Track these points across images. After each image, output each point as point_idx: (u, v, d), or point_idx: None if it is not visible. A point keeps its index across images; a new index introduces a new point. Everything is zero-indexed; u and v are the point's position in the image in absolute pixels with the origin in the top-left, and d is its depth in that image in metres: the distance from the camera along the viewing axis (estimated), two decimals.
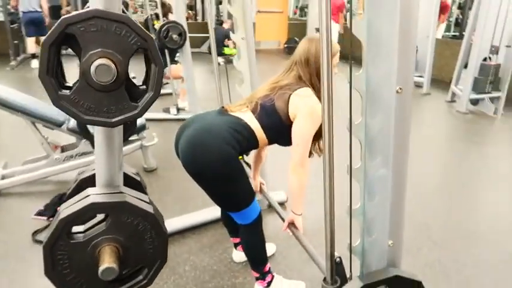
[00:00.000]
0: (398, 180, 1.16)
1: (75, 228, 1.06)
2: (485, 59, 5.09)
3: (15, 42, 7.22)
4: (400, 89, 1.06)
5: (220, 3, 9.56)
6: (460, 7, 10.05)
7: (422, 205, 2.80)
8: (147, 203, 1.09)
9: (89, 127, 2.63)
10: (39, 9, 6.91)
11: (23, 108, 2.76)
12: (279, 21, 10.17)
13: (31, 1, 6.83)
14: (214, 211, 2.53)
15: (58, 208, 2.42)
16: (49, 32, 0.76)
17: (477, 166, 3.65)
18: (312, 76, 1.64)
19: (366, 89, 1.13)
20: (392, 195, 1.17)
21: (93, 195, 1.03)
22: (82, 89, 0.81)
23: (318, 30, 1.05)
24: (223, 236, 2.39)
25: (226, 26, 8.97)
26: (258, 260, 1.83)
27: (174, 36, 4.24)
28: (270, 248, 2.19)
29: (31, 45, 7.17)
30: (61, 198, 2.59)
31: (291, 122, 1.61)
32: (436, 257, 2.25)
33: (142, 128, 3.10)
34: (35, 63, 7.05)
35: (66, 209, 1.01)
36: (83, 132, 2.54)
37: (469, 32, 5.49)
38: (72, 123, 2.94)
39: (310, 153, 1.70)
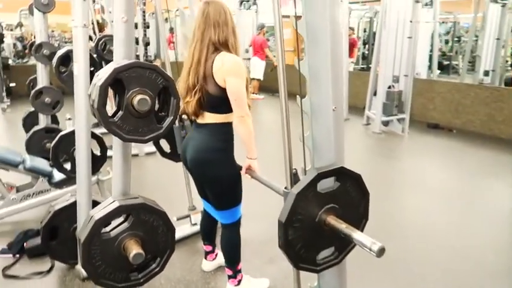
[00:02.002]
0: None
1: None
2: (389, 87, 6.01)
3: None
4: (335, 107, 1.51)
5: (148, 44, 9.85)
6: (364, 43, 11.47)
7: None
8: (157, 204, 1.40)
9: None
10: None
11: None
12: None
13: None
14: (178, 232, 2.77)
15: (25, 244, 2.54)
16: (105, 77, 1.08)
17: (392, 176, 4.34)
18: (218, 37, 1.80)
19: (310, 110, 1.57)
20: None
21: (117, 200, 1.32)
22: (125, 116, 1.14)
23: None
24: (190, 252, 2.67)
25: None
26: (234, 258, 2.15)
27: (112, 48, 4.38)
28: None
29: None
30: (26, 234, 2.67)
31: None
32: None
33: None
34: None
35: (98, 213, 1.28)
36: (57, 166, 2.69)
37: (374, 64, 6.44)
38: (29, 163, 3.05)
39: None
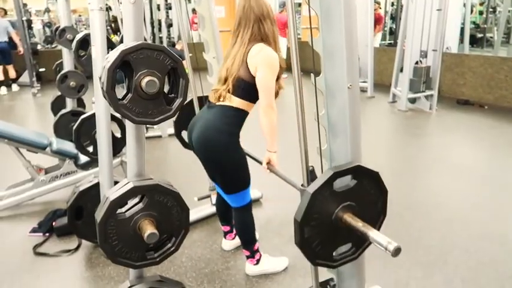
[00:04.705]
0: (356, 156, 1.56)
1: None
2: (416, 63, 5.80)
3: None
4: (351, 85, 1.46)
5: (171, 25, 9.87)
6: (392, 17, 11.06)
7: None
8: (171, 185, 1.41)
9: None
10: (2, 40, 7.69)
11: (9, 134, 2.93)
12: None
13: None
14: (199, 212, 2.84)
15: (53, 223, 2.64)
16: (112, 60, 1.09)
17: (419, 153, 4.23)
18: (259, 30, 1.87)
19: (325, 87, 1.53)
20: None
21: (132, 181, 1.34)
22: (134, 98, 1.14)
23: None
24: (210, 231, 2.71)
25: (178, 47, 9.29)
26: (249, 239, 2.17)
27: None
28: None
29: None
30: (55, 214, 2.78)
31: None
32: (390, 223, 2.70)
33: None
34: (3, 90, 7.78)
35: (113, 194, 1.31)
36: (79, 148, 2.77)
37: (401, 39, 6.21)
38: (56, 145, 3.15)
39: (276, 94, 1.93)
